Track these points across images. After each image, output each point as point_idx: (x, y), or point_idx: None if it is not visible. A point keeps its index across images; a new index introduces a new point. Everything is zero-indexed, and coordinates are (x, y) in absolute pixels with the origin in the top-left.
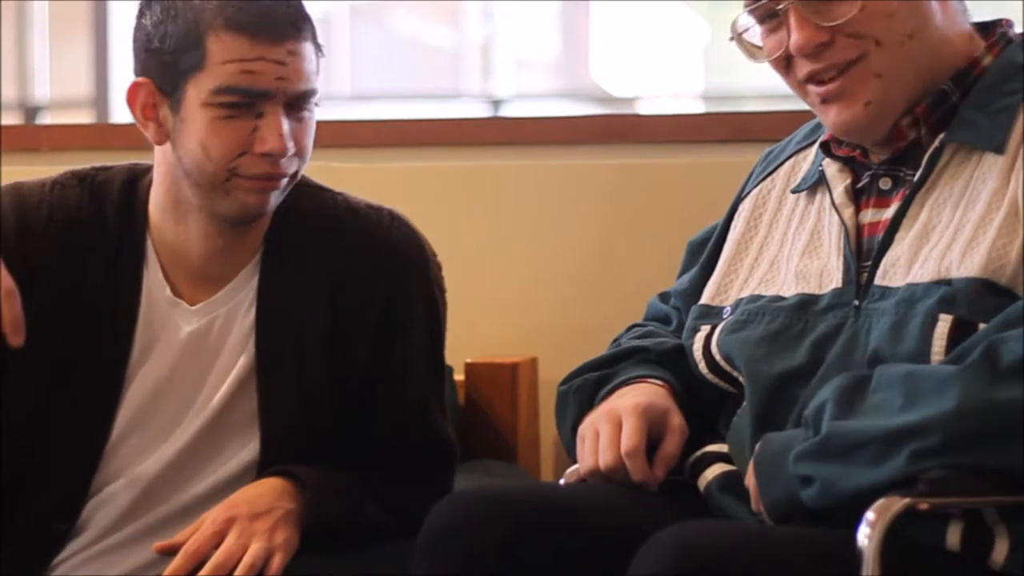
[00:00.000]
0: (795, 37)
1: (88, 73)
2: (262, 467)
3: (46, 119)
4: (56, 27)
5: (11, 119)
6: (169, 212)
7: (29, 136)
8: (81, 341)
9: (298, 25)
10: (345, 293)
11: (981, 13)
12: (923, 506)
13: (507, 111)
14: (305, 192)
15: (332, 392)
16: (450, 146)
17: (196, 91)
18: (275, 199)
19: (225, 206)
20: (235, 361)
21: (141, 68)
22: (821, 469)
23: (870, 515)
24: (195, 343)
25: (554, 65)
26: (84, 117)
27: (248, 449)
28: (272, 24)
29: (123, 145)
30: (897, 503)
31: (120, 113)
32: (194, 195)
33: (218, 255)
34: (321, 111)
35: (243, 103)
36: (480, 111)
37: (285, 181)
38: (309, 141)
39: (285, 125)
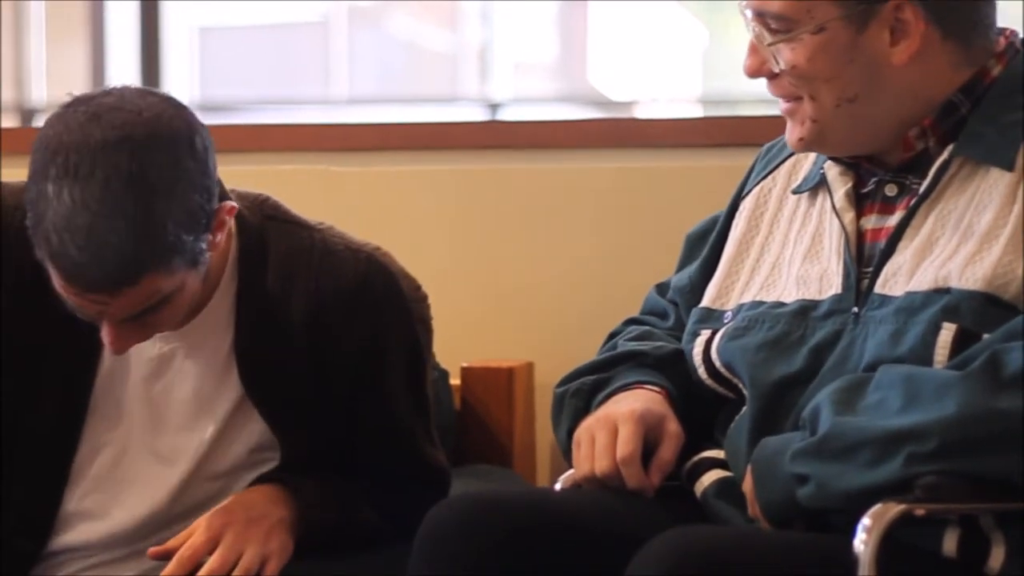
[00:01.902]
0: (745, 61)
1: (85, 75)
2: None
3: (42, 122)
4: (53, 29)
5: (8, 122)
6: None
7: (28, 139)
8: (49, 357)
9: (124, 276)
10: (321, 336)
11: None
12: (919, 512)
13: (505, 115)
14: (280, 229)
15: (325, 422)
16: (448, 150)
17: None
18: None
19: None
20: (217, 394)
21: None
22: (817, 468)
23: (866, 520)
24: (161, 367)
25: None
26: None
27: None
28: (84, 277)
29: None
30: (893, 509)
31: None
32: None
33: None
34: (319, 114)
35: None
36: (478, 115)
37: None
38: (177, 314)
39: (121, 332)
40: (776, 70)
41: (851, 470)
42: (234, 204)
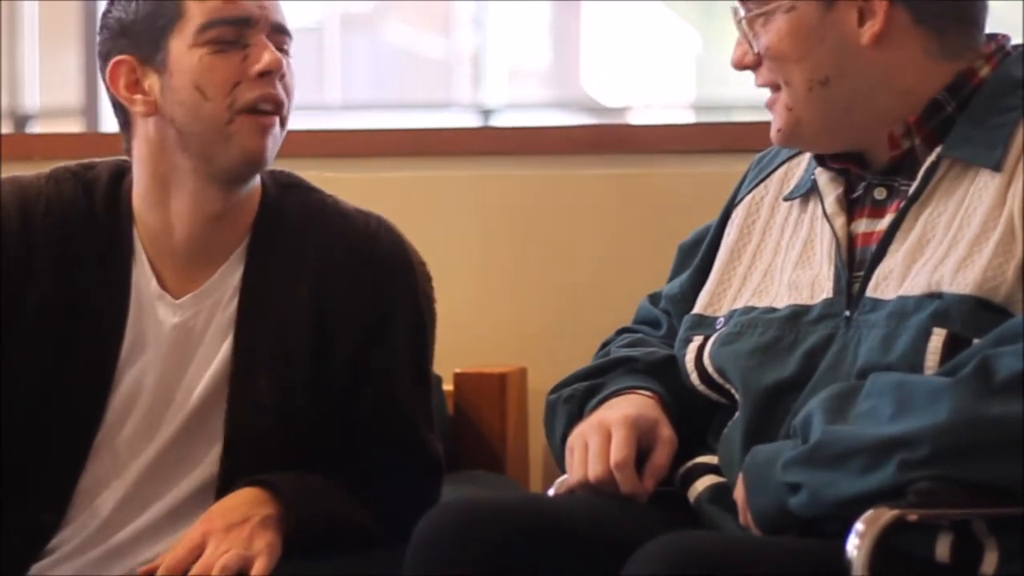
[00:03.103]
0: (732, 53)
1: (78, 82)
2: (225, 472)
3: (36, 128)
4: (46, 35)
5: (2, 128)
6: (153, 198)
7: (22, 145)
8: (74, 334)
9: None
10: (328, 293)
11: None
12: (912, 517)
13: (498, 121)
14: (294, 190)
15: (311, 395)
16: (440, 156)
17: (180, 40)
18: (272, 147)
19: (224, 158)
20: (214, 355)
21: (117, 50)
22: (809, 476)
23: (859, 526)
24: (179, 337)
25: (545, 75)
26: (74, 126)
27: (216, 451)
28: None
29: (114, 154)
30: (886, 514)
31: (110, 122)
32: (188, 159)
33: (202, 241)
34: (312, 121)
35: (229, 37)
36: (471, 121)
37: (278, 123)
38: (293, 85)
39: (272, 53)
40: (753, 52)
41: (843, 478)
42: None
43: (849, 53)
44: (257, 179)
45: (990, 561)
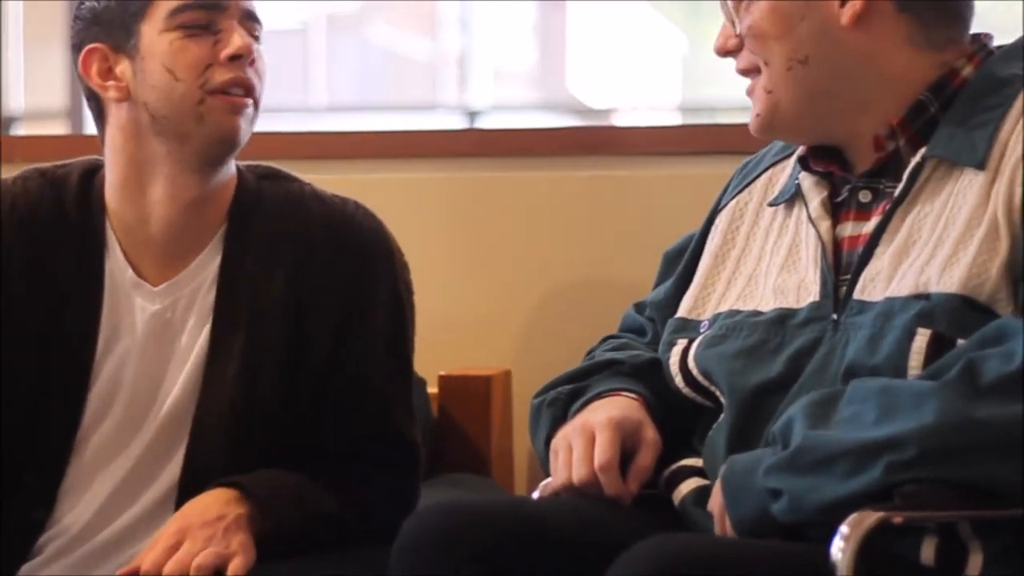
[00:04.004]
0: (715, 41)
1: (63, 84)
2: (189, 463)
3: (20, 130)
4: (31, 37)
5: None
6: (128, 189)
7: (4, 148)
8: (50, 330)
9: None
10: (306, 277)
11: (983, 13)
12: (897, 520)
13: (483, 123)
14: (271, 178)
15: (283, 382)
16: (426, 158)
17: (151, 25)
18: (245, 127)
19: (198, 139)
20: (193, 345)
21: (90, 39)
22: (791, 482)
23: (844, 529)
24: (157, 326)
25: (531, 77)
26: (59, 128)
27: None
28: None
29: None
30: (871, 517)
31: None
32: (162, 144)
33: (179, 230)
34: (297, 123)
35: (200, 21)
36: (456, 123)
37: (251, 105)
38: (264, 70)
39: (243, 38)
40: (736, 35)
41: (826, 482)
42: None
43: (830, 33)
44: (232, 167)
45: (975, 563)
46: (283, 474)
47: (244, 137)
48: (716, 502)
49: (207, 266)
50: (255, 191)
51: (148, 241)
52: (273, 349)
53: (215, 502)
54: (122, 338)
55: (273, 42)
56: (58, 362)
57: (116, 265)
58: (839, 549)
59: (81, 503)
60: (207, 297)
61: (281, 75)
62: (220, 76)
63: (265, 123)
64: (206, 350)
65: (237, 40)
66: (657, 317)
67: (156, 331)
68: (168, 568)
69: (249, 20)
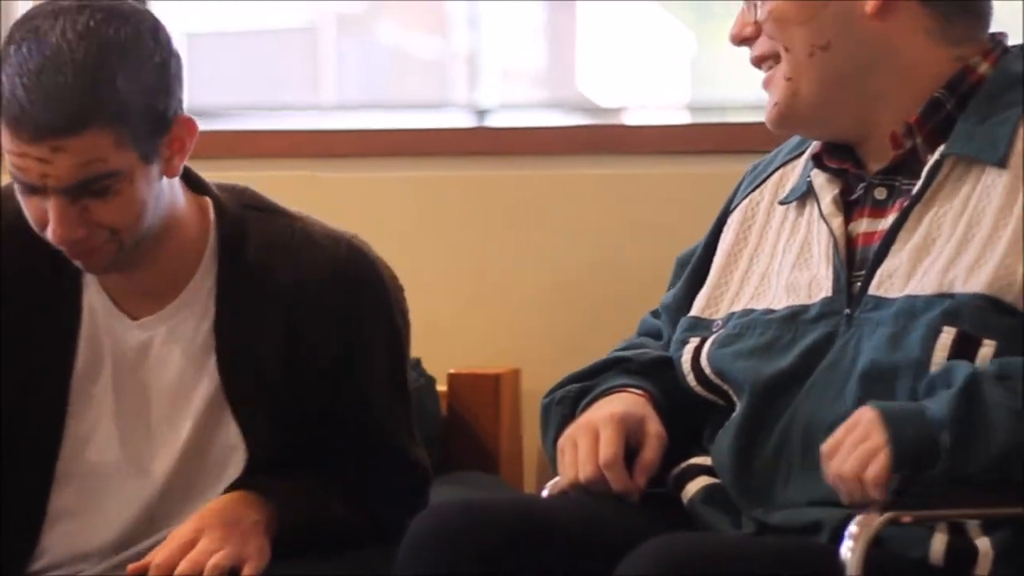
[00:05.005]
0: (732, 26)
1: None
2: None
3: None
4: None
5: None
6: None
7: None
8: (27, 359)
9: (69, 120)
10: (301, 322)
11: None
12: (906, 519)
13: (492, 121)
14: (260, 217)
15: (299, 418)
16: (435, 156)
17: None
18: (103, 260)
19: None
20: (194, 385)
21: None
22: (964, 414)
23: (853, 528)
24: (139, 358)
25: (540, 75)
26: None
27: (227, 478)
28: (30, 121)
29: None
30: (880, 516)
31: None
32: None
33: (144, 277)
34: (306, 121)
35: (27, 188)
36: (465, 121)
37: (105, 250)
38: (124, 216)
39: (66, 212)
40: (753, 21)
41: (1002, 420)
42: (195, 124)
43: (852, 20)
44: (180, 198)
45: (984, 562)
46: (300, 480)
47: (107, 265)
48: (836, 439)
49: (191, 303)
50: (238, 221)
51: (119, 278)
52: (283, 389)
53: (234, 505)
54: (104, 371)
55: (282, 41)
56: (35, 393)
57: (95, 297)
58: (848, 548)
59: (69, 537)
60: (196, 337)
61: (290, 73)
62: (54, 239)
63: (274, 121)
64: (222, 396)
65: (53, 226)
66: (668, 319)
67: (139, 363)
68: (182, 567)
69: (89, 188)
